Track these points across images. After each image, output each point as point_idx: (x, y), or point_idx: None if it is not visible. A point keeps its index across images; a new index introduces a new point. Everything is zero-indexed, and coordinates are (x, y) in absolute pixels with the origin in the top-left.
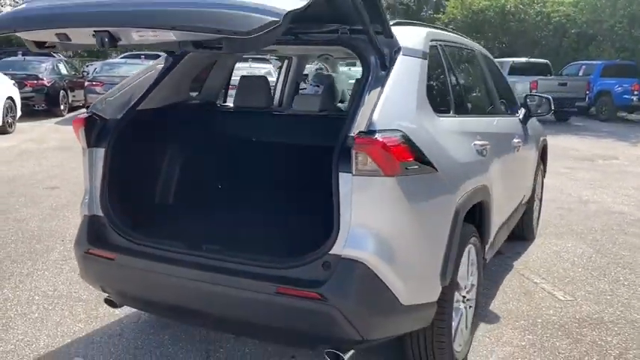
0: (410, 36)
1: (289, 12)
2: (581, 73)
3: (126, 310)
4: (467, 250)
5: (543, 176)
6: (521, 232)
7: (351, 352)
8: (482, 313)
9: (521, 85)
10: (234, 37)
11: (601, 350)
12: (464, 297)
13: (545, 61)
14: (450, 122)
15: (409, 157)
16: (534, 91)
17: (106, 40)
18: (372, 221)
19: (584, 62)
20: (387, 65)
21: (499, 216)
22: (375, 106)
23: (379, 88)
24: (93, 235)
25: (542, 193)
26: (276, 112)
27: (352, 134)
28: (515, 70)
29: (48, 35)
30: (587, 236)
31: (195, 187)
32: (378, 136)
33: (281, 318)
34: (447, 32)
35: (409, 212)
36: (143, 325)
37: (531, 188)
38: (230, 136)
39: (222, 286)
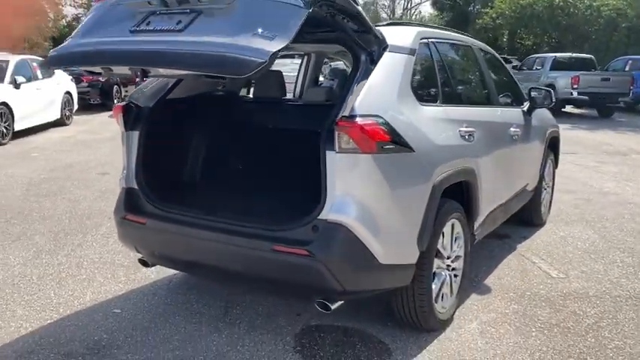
0: (398, 35)
1: (274, 53)
2: (627, 68)
3: (160, 275)
4: (449, 223)
5: (554, 167)
6: (529, 218)
7: (339, 302)
8: (476, 285)
9: (563, 81)
10: (233, 76)
11: (577, 319)
12: (448, 265)
13: (589, 56)
14: (435, 110)
15: (386, 138)
16: (576, 86)
17: (139, 72)
18: (353, 191)
19: (630, 57)
20: (374, 61)
21: (492, 198)
22: (358, 95)
23: (365, 80)
24: (128, 204)
25: (553, 182)
26: (289, 102)
27: (336, 119)
28: (559, 65)
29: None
30: (597, 224)
31: (213, 166)
32: (357, 120)
33: (277, 271)
34: (441, 30)
35: (386, 185)
36: (173, 286)
37: (537, 177)
38: (247, 122)
39: (231, 245)
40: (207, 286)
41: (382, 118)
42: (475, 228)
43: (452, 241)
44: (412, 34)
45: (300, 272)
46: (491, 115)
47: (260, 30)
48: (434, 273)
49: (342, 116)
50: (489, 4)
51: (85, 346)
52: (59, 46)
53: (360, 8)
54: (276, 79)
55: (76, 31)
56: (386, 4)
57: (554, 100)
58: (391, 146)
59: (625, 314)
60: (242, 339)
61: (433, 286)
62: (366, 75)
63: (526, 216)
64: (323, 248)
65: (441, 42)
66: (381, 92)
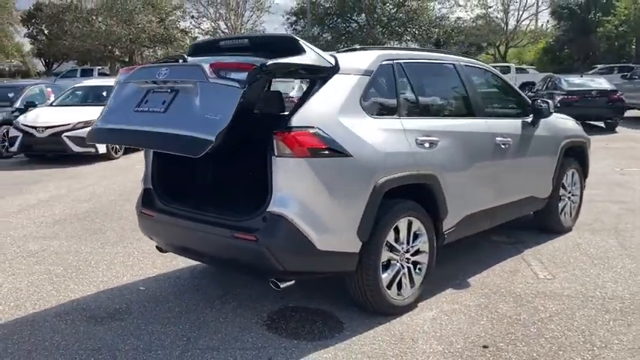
0: (355, 59)
1: (220, 132)
2: None
3: (188, 264)
4: (404, 220)
5: (582, 176)
6: (546, 225)
7: (289, 282)
8: (458, 281)
9: None
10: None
11: (533, 312)
12: (408, 259)
13: None
14: (388, 122)
15: (320, 145)
16: None
17: None
18: (292, 188)
19: None
20: (323, 83)
21: (468, 202)
22: (298, 110)
23: (309, 98)
24: (145, 201)
25: (581, 191)
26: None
27: (275, 130)
28: None
29: None
30: (626, 233)
31: (206, 173)
32: (292, 130)
33: (237, 253)
34: (413, 52)
35: (321, 183)
36: (195, 273)
37: (549, 186)
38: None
39: (206, 232)
40: (221, 273)
41: (318, 128)
42: (445, 228)
43: (409, 236)
44: (371, 57)
45: (250, 254)
46: (466, 125)
47: (210, 113)
48: (387, 263)
49: (280, 128)
50: (611, 10)
51: (106, 311)
52: (94, 124)
53: (296, 60)
54: (277, 97)
55: (104, 109)
56: (499, 16)
57: (552, 111)
58: (326, 152)
59: (584, 312)
60: (227, 314)
61: (385, 275)
62: (312, 94)
63: (542, 223)
64: (266, 235)
65: (408, 62)
66: (321, 107)
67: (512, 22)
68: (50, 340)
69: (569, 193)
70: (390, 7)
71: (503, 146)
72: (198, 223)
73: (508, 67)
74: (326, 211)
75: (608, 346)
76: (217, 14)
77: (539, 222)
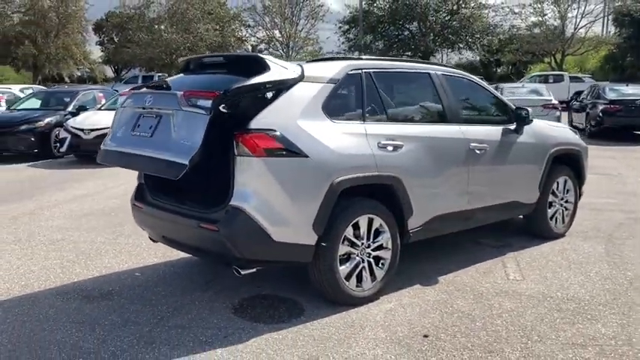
0: (319, 68)
1: (192, 157)
2: None
3: (186, 254)
4: (364, 217)
5: (576, 183)
6: (535, 230)
7: (250, 270)
8: (428, 279)
9: None
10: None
11: (486, 309)
12: (369, 254)
13: None
14: (350, 127)
15: (276, 146)
16: None
17: None
18: (250, 184)
19: None
20: (285, 90)
21: (437, 204)
22: (258, 115)
23: (271, 104)
24: (137, 194)
25: (576, 198)
26: None
27: (235, 132)
28: None
29: None
30: (617, 241)
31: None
32: (250, 133)
33: (203, 242)
34: (385, 62)
35: (276, 180)
36: (190, 262)
37: (535, 192)
38: None
39: (179, 223)
40: (215, 264)
41: (275, 131)
42: (411, 227)
43: (369, 232)
44: (337, 67)
45: (213, 243)
46: (435, 131)
47: (184, 139)
48: (347, 257)
49: (239, 130)
50: None
51: (99, 292)
52: (103, 144)
53: (259, 79)
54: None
55: (110, 130)
56: (555, 23)
57: (531, 119)
58: (282, 152)
59: (536, 310)
60: (204, 299)
61: (343, 267)
62: (275, 100)
63: (532, 228)
64: (225, 225)
65: (378, 71)
66: (281, 112)
67: (569, 30)
68: (44, 314)
69: (561, 199)
70: (444, 15)
71: (478, 152)
72: (175, 215)
73: (561, 75)
74: (282, 206)
75: (542, 340)
76: (272, 23)
77: (529, 226)
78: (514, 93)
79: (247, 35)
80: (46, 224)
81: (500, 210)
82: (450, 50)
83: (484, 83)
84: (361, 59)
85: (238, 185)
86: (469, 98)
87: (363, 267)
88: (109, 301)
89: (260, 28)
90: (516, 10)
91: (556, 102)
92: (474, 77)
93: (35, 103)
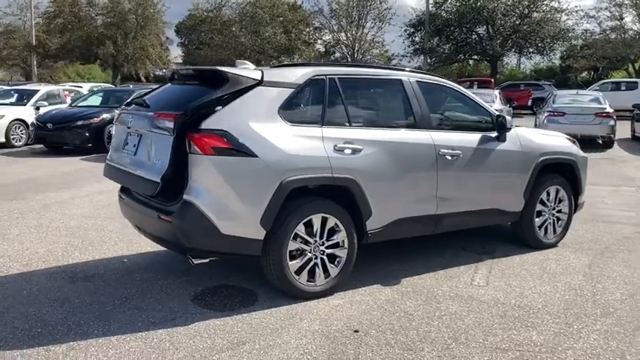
0: (280, 74)
1: (163, 175)
2: None
3: None
4: (318, 216)
5: (570, 193)
6: (521, 239)
7: (202, 260)
8: (389, 279)
9: None
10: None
11: (433, 310)
12: (322, 250)
13: None
14: (305, 129)
15: (224, 146)
16: None
17: None
18: (200, 180)
19: None
20: (241, 94)
21: (399, 208)
22: (211, 116)
23: (224, 107)
24: (122, 187)
25: (570, 209)
26: None
27: (188, 132)
28: None
29: None
30: (608, 254)
31: None
32: (200, 132)
33: (162, 232)
34: (351, 68)
35: (224, 178)
36: (171, 252)
37: (520, 200)
38: None
39: (144, 214)
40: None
41: (225, 131)
42: (370, 228)
43: (323, 230)
44: (299, 72)
45: (168, 233)
46: (399, 136)
47: (156, 158)
48: (297, 252)
49: (191, 130)
50: None
51: (84, 274)
52: (106, 160)
53: (217, 94)
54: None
55: (111, 147)
56: (635, 27)
57: (509, 127)
58: (231, 151)
59: (479, 315)
60: (172, 286)
61: (294, 262)
62: (229, 103)
63: (518, 236)
64: (177, 217)
65: (343, 77)
66: (234, 114)
67: None
68: (28, 290)
69: (552, 209)
70: (513, 18)
71: (450, 158)
72: (143, 206)
73: (635, 83)
74: (230, 201)
75: (467, 343)
76: (339, 26)
77: (516, 235)
78: (567, 100)
79: (314, 38)
80: (69, 212)
81: (478, 216)
82: (517, 54)
83: (466, 91)
84: (328, 65)
85: (191, 181)
86: (445, 105)
87: (316, 263)
88: (89, 282)
89: (326, 31)
90: (592, 14)
91: (611, 110)
92: (454, 85)
93: (96, 100)
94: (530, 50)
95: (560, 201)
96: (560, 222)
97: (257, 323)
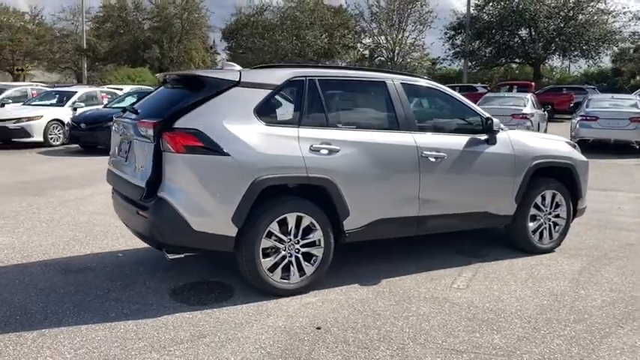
0: (257, 75)
1: (148, 181)
2: None
3: None
4: (291, 215)
5: (567, 198)
6: (514, 243)
7: (178, 255)
8: (368, 279)
9: None
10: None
11: (401, 311)
12: (297, 249)
13: None
14: (281, 130)
15: (196, 144)
16: None
17: None
18: (173, 177)
19: None
20: (219, 94)
21: (378, 208)
22: (184, 115)
23: (198, 106)
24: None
25: (568, 215)
26: None
27: (162, 130)
28: None
29: None
30: (605, 261)
31: None
32: (172, 131)
33: (140, 227)
34: (333, 70)
35: (196, 175)
36: None
37: (510, 204)
38: None
39: (126, 209)
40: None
41: (197, 130)
42: (348, 228)
43: (298, 229)
44: (278, 74)
45: (144, 228)
46: (379, 138)
47: (140, 165)
48: (272, 250)
49: (164, 128)
50: None
51: (77, 267)
52: (108, 164)
53: (193, 99)
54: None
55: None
56: None
57: (496, 129)
58: (203, 150)
59: (447, 316)
60: (155, 280)
61: (267, 259)
62: (203, 103)
63: (510, 240)
64: (152, 213)
65: (323, 79)
66: (208, 114)
67: None
68: (20, 280)
69: (548, 214)
70: (557, 21)
71: (433, 160)
72: (126, 203)
73: None
74: (202, 198)
75: (425, 344)
76: (379, 30)
77: (509, 239)
78: (601, 105)
79: (354, 42)
80: (83, 209)
81: (466, 219)
82: (560, 57)
83: (455, 94)
84: (308, 67)
85: (165, 178)
86: (432, 107)
87: (290, 261)
88: (80, 275)
89: (367, 34)
90: None
91: None
92: (442, 87)
93: (131, 101)
94: (575, 54)
95: (558, 206)
96: (557, 227)
97: (224, 318)
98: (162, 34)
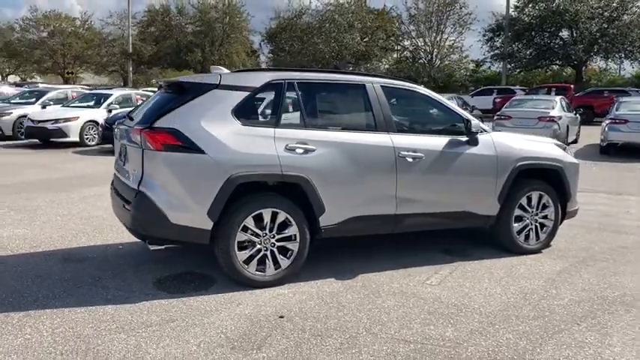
0: (237, 78)
1: (139, 183)
2: None
3: None
4: (267, 210)
5: (556, 199)
6: (499, 243)
7: (159, 247)
8: (345, 274)
9: None
10: None
11: (366, 303)
12: (273, 243)
13: None
14: (258, 130)
15: (173, 142)
16: None
17: None
18: (152, 173)
19: None
20: (198, 96)
21: (354, 206)
22: (164, 115)
23: (177, 107)
24: (112, 182)
25: (556, 216)
26: None
27: (141, 129)
28: None
29: None
30: (590, 263)
31: None
32: (152, 130)
33: (125, 220)
34: (312, 73)
35: (173, 171)
36: None
37: (494, 204)
38: None
39: (117, 203)
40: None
41: (175, 129)
42: (324, 224)
43: (272, 224)
44: (256, 77)
45: (128, 221)
46: (355, 138)
47: (133, 169)
48: (248, 243)
49: (145, 127)
50: None
51: (78, 257)
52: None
53: (174, 104)
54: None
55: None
56: None
57: (475, 131)
58: (180, 148)
59: (409, 309)
60: (144, 270)
61: (243, 252)
62: (183, 104)
63: (495, 241)
64: (134, 206)
65: (302, 82)
66: (186, 114)
67: None
68: (23, 267)
69: (534, 215)
70: (600, 22)
71: (411, 160)
72: (116, 196)
73: None
74: (179, 193)
75: (378, 334)
76: (417, 32)
77: (493, 239)
78: (632, 108)
79: (392, 45)
80: (100, 204)
81: (446, 218)
82: (602, 59)
83: (437, 97)
84: (289, 71)
85: (145, 174)
86: (412, 110)
87: (265, 255)
88: (79, 263)
89: (405, 37)
90: None
91: None
92: (424, 90)
93: None
94: (618, 55)
95: (545, 207)
96: (545, 228)
97: (196, 305)
98: (204, 38)
